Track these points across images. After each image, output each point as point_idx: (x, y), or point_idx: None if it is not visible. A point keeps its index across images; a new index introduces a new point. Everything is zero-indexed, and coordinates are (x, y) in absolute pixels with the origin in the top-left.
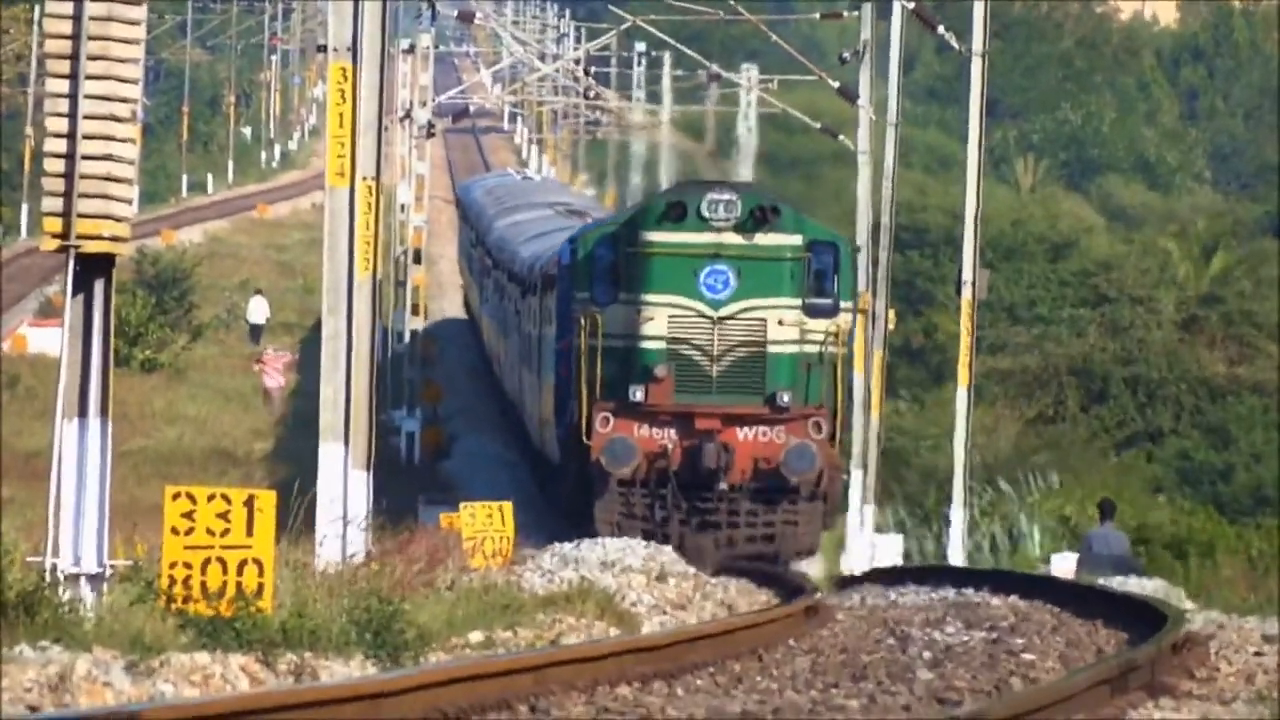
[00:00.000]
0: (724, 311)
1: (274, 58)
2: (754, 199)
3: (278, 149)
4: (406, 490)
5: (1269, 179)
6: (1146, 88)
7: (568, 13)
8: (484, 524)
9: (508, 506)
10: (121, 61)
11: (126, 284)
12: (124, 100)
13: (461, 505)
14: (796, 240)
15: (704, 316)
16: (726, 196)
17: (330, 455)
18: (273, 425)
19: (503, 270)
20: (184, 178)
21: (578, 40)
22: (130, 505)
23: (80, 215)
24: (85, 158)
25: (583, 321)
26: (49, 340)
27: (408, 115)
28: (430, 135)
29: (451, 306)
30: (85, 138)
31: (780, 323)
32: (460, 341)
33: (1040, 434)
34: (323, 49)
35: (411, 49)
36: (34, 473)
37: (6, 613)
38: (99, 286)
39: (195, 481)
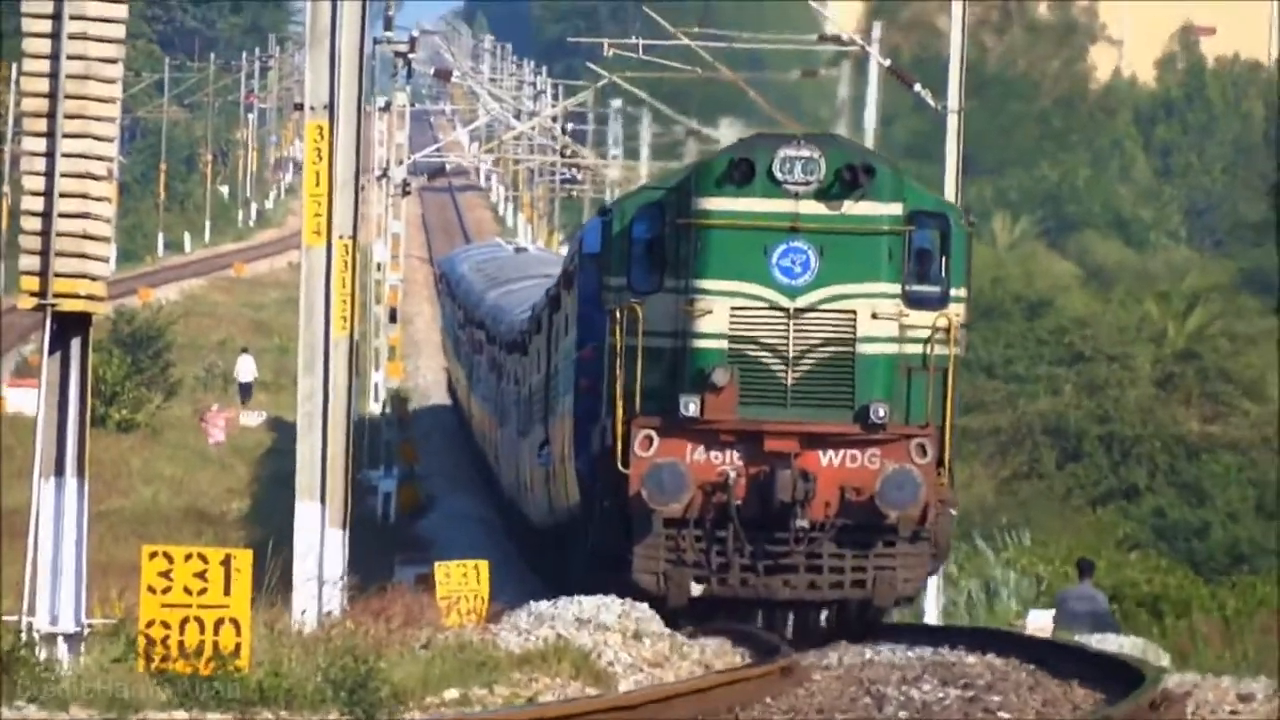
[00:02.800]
0: (802, 301)
1: (250, 116)
2: (841, 155)
3: (254, 207)
4: (383, 549)
5: (1243, 236)
6: (1121, 144)
7: (544, 70)
8: (459, 583)
9: (483, 565)
10: (98, 120)
11: (103, 343)
12: (101, 159)
13: (436, 564)
14: (896, 209)
15: (777, 308)
16: (806, 153)
17: (306, 514)
18: (248, 481)
19: (498, 344)
20: (161, 236)
21: (554, 97)
22: (107, 564)
23: (57, 274)
24: (62, 216)
25: (618, 315)
26: (26, 400)
27: (384, 173)
28: (406, 193)
29: (426, 366)
30: (62, 196)
31: (875, 316)
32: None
33: (1015, 491)
34: (299, 107)
35: (388, 107)
36: (11, 531)
37: None
38: (76, 345)
39: (172, 541)
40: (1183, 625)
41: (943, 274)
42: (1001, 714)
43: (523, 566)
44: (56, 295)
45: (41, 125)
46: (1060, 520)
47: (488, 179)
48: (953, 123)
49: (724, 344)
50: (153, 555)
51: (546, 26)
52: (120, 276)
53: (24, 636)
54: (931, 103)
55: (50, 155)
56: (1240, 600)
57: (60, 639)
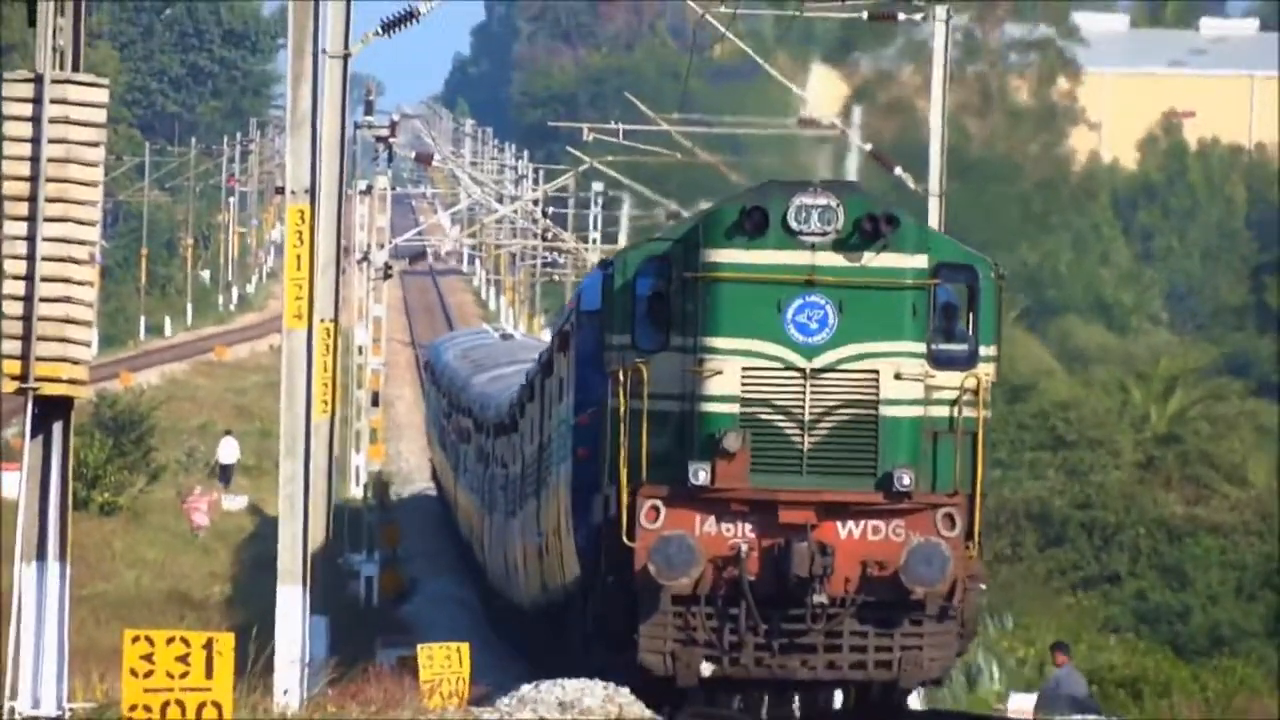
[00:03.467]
0: (820, 360)
1: (232, 200)
2: (861, 204)
3: (235, 291)
4: (365, 632)
5: (1225, 319)
6: (1099, 229)
7: (525, 154)
8: (442, 665)
9: (464, 648)
10: (79, 204)
11: (85, 426)
12: (82, 242)
13: (419, 647)
14: (921, 262)
15: (792, 368)
16: (823, 201)
17: (288, 598)
18: (230, 565)
19: (485, 430)
20: (142, 320)
21: (535, 182)
22: (89, 648)
23: (39, 358)
24: (44, 300)
25: (622, 376)
26: (8, 483)
27: (366, 257)
28: (388, 277)
29: (408, 450)
30: (44, 280)
31: (899, 376)
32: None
33: (997, 573)
34: (280, 191)
35: (369, 190)
36: None
37: None
38: (57, 429)
39: (154, 625)
40: (1164, 705)
41: (970, 331)
42: None
43: (504, 651)
44: (38, 379)
45: (23, 209)
46: (1042, 604)
47: (470, 263)
48: (934, 206)
49: (735, 407)
50: (135, 639)
51: (526, 112)
52: (102, 361)
53: (10, 717)
54: (913, 185)
55: (31, 239)
56: (1221, 682)
57: None
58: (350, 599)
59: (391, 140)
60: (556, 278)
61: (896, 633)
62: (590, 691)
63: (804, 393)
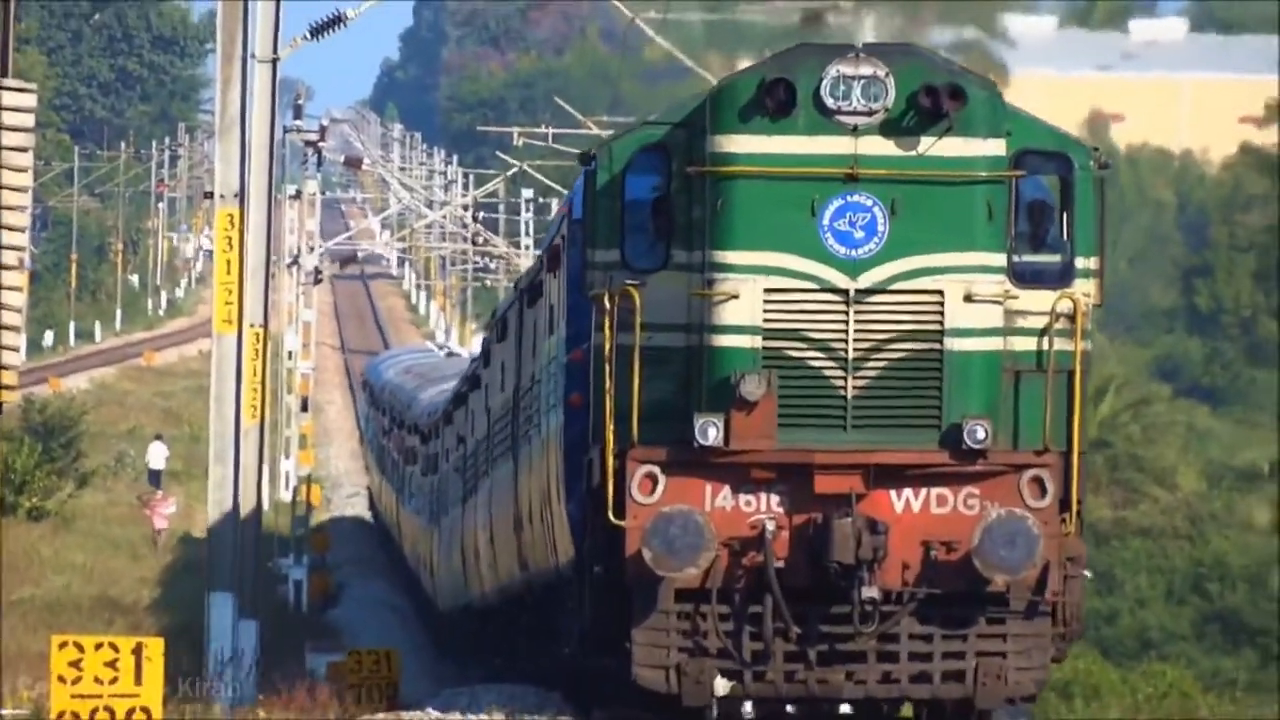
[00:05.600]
0: (868, 279)
1: (161, 205)
2: (919, 72)
3: (165, 296)
4: (294, 637)
5: (1155, 323)
6: None
7: (455, 159)
8: (370, 670)
9: (395, 653)
10: (9, 209)
11: (14, 431)
12: (12, 248)
13: (349, 652)
14: (997, 148)
15: (831, 290)
16: (868, 70)
17: (219, 603)
18: (160, 569)
19: (433, 433)
20: (72, 325)
21: (465, 186)
22: (18, 655)
23: None
24: None
25: (608, 303)
26: None
27: (295, 261)
28: (318, 281)
29: (338, 454)
30: None
31: (970, 298)
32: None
33: None
34: (210, 195)
35: (299, 195)
36: None
37: None
38: None
39: (83, 630)
40: (1094, 708)
41: (1064, 238)
42: None
43: (435, 655)
44: None
45: None
46: None
47: (400, 266)
48: None
49: (757, 341)
50: (63, 645)
51: (455, 116)
52: (31, 365)
53: None
54: None
55: None
56: (1151, 686)
57: None
58: (279, 602)
59: (321, 145)
60: (488, 283)
61: (971, 635)
62: (522, 697)
63: (847, 322)
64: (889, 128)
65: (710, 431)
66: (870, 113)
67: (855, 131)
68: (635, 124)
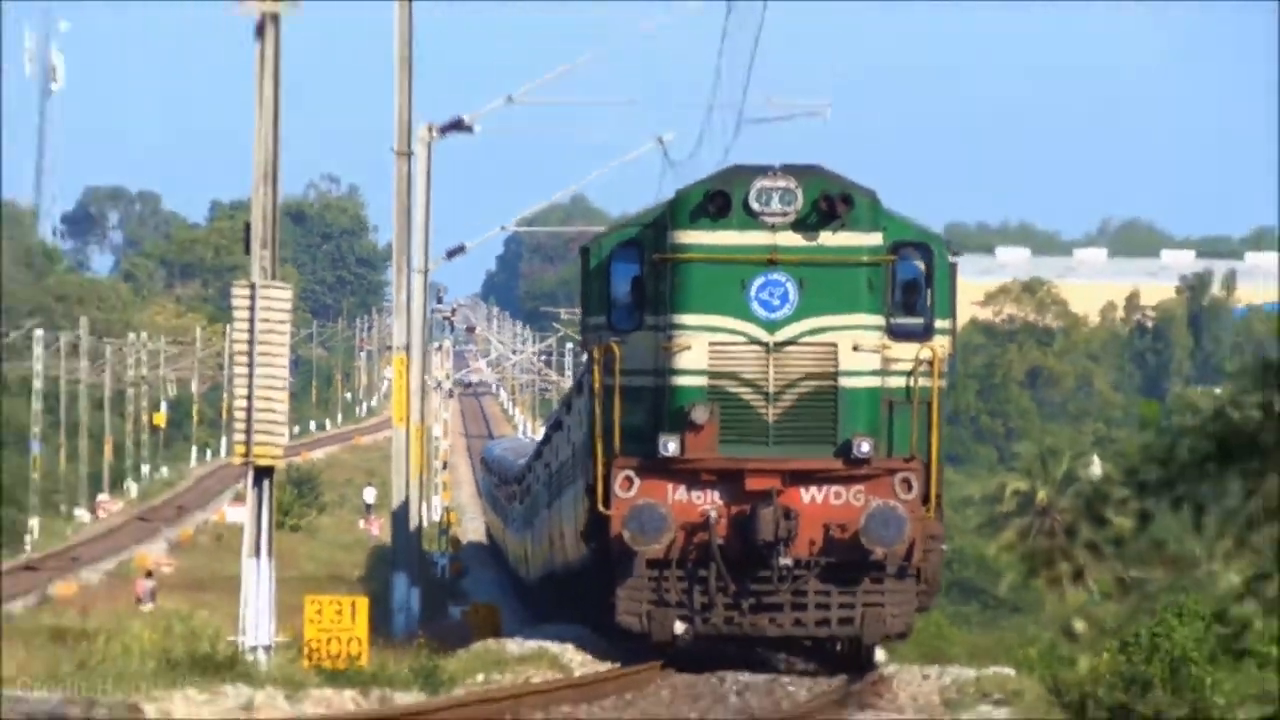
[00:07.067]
0: (782, 335)
1: (362, 353)
2: (819, 185)
3: (366, 405)
4: (440, 597)
5: None
6: None
7: (527, 327)
8: (484, 616)
9: (497, 607)
10: (277, 355)
11: (281, 482)
12: (278, 377)
13: (471, 605)
14: (875, 239)
15: (756, 342)
16: (783, 184)
17: (399, 578)
18: (365, 560)
19: (526, 483)
20: (312, 422)
21: (534, 342)
22: (285, 606)
23: (255, 443)
24: (257, 410)
25: (596, 354)
26: (239, 515)
27: (438, 385)
28: (451, 396)
29: (463, 494)
30: (257, 399)
31: (856, 348)
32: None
33: None
34: (389, 348)
35: (440, 347)
36: (229, 588)
37: (220, 668)
38: (266, 484)
39: (321, 593)
40: None
41: (926, 305)
42: (790, 688)
43: (521, 612)
44: (255, 455)
45: (245, 359)
46: None
47: (497, 388)
48: None
49: (704, 380)
50: (312, 602)
51: (527, 303)
52: (291, 445)
53: (240, 647)
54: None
55: (250, 375)
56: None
57: (261, 649)
58: (432, 578)
59: (451, 319)
60: (547, 397)
61: (858, 591)
62: (570, 629)
63: (768, 366)
64: (798, 225)
65: (670, 446)
66: (784, 214)
67: (773, 228)
68: (616, 224)
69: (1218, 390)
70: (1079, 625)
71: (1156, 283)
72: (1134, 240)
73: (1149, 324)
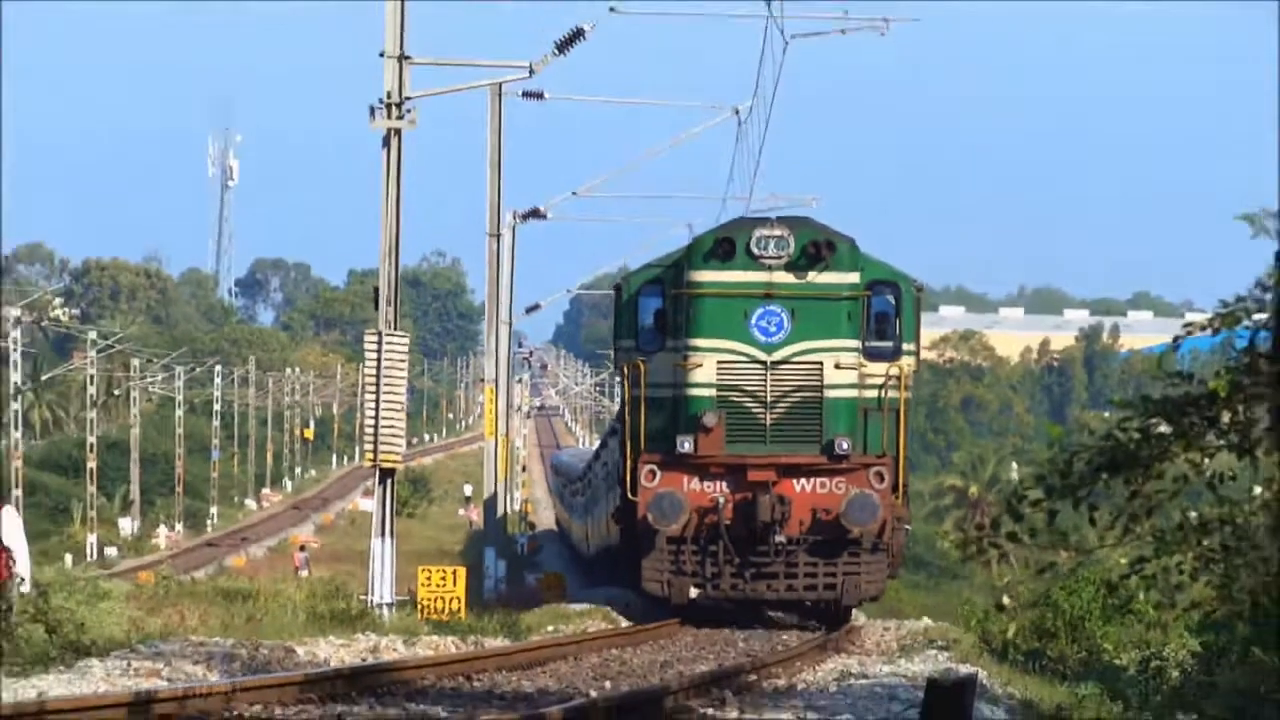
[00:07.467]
0: (777, 355)
1: (461, 384)
2: (808, 233)
3: (465, 422)
4: (520, 568)
5: None
6: None
7: (586, 365)
8: (554, 582)
9: (563, 576)
10: (397, 387)
11: (400, 481)
12: (398, 403)
13: (545, 573)
14: (854, 278)
15: (756, 361)
16: (778, 233)
17: (489, 553)
18: (465, 539)
19: (585, 480)
20: (426, 436)
21: (592, 375)
22: (403, 574)
23: (381, 451)
24: (383, 428)
25: (626, 370)
26: (369, 505)
27: (519, 409)
28: (529, 417)
29: (539, 489)
30: (382, 419)
31: (837, 366)
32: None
33: None
34: (482, 380)
35: (520, 380)
36: (361, 560)
37: (354, 620)
38: (389, 482)
39: (432, 564)
40: None
41: (896, 332)
42: (781, 635)
43: (582, 579)
44: (381, 460)
45: (373, 388)
46: None
47: (563, 411)
48: None
49: (713, 392)
50: (423, 570)
51: (587, 345)
52: (408, 453)
53: (371, 604)
54: None
55: (376, 401)
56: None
57: (385, 606)
58: (515, 553)
59: (529, 359)
60: (602, 416)
61: (839, 562)
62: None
63: (765, 380)
64: (790, 266)
65: (686, 444)
66: (779, 257)
67: (770, 269)
68: (644, 266)
69: (1106, 415)
70: (1006, 600)
71: (1061, 333)
72: (1044, 301)
73: (1055, 364)
